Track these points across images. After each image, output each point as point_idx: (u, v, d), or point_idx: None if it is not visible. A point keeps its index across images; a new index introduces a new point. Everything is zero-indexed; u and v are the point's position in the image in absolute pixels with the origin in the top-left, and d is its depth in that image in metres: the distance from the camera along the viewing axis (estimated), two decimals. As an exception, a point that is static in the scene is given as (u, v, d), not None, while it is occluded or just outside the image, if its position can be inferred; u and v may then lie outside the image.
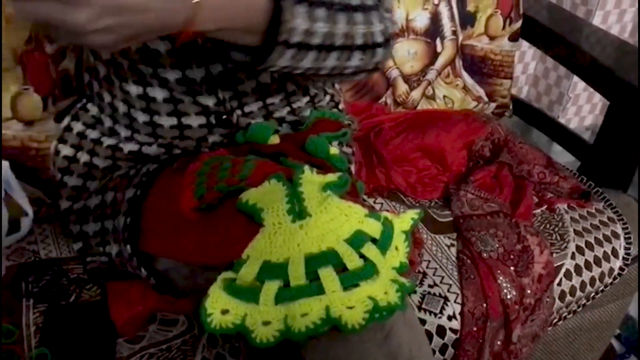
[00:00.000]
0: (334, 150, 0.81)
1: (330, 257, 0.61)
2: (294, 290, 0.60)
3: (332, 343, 0.61)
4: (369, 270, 0.62)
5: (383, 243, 0.65)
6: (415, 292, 0.88)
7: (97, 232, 0.82)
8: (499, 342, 0.88)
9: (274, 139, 0.80)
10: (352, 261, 0.62)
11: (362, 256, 0.62)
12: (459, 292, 0.87)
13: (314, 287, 0.60)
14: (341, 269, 0.61)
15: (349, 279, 0.61)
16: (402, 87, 1.21)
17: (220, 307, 0.61)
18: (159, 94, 0.79)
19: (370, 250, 0.63)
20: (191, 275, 0.74)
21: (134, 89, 0.79)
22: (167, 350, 0.79)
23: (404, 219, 0.69)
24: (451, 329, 0.86)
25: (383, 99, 1.21)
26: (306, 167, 0.68)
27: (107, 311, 0.80)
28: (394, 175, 1.07)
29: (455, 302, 0.87)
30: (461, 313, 0.86)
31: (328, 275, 0.60)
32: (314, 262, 0.60)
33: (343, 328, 0.58)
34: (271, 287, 0.60)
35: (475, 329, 0.86)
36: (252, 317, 0.60)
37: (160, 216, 0.72)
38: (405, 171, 1.08)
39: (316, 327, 0.58)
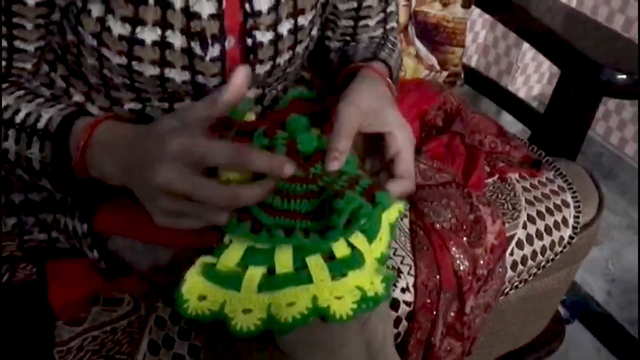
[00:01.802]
0: (315, 130, 0.78)
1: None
2: (280, 278, 0.58)
3: (313, 329, 0.60)
4: (357, 259, 0.60)
5: (370, 232, 0.63)
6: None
7: (44, 199, 0.77)
8: (452, 314, 0.88)
9: (250, 116, 0.77)
10: (341, 249, 0.60)
11: (349, 244, 0.61)
12: (412, 263, 0.86)
13: (302, 275, 0.58)
14: (328, 256, 0.60)
15: (337, 268, 0.59)
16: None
17: (197, 293, 0.58)
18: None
19: (358, 239, 0.61)
20: (149, 253, 0.71)
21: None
22: (112, 332, 0.75)
23: (392, 211, 0.68)
24: (405, 302, 0.85)
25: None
26: None
27: (45, 292, 0.76)
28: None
29: (408, 274, 0.85)
30: (414, 285, 0.85)
31: (316, 264, 0.58)
32: (301, 249, 0.58)
33: (331, 318, 0.57)
34: (255, 274, 0.58)
35: (428, 300, 0.85)
36: (232, 304, 0.57)
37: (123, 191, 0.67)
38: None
39: (303, 317, 0.57)
